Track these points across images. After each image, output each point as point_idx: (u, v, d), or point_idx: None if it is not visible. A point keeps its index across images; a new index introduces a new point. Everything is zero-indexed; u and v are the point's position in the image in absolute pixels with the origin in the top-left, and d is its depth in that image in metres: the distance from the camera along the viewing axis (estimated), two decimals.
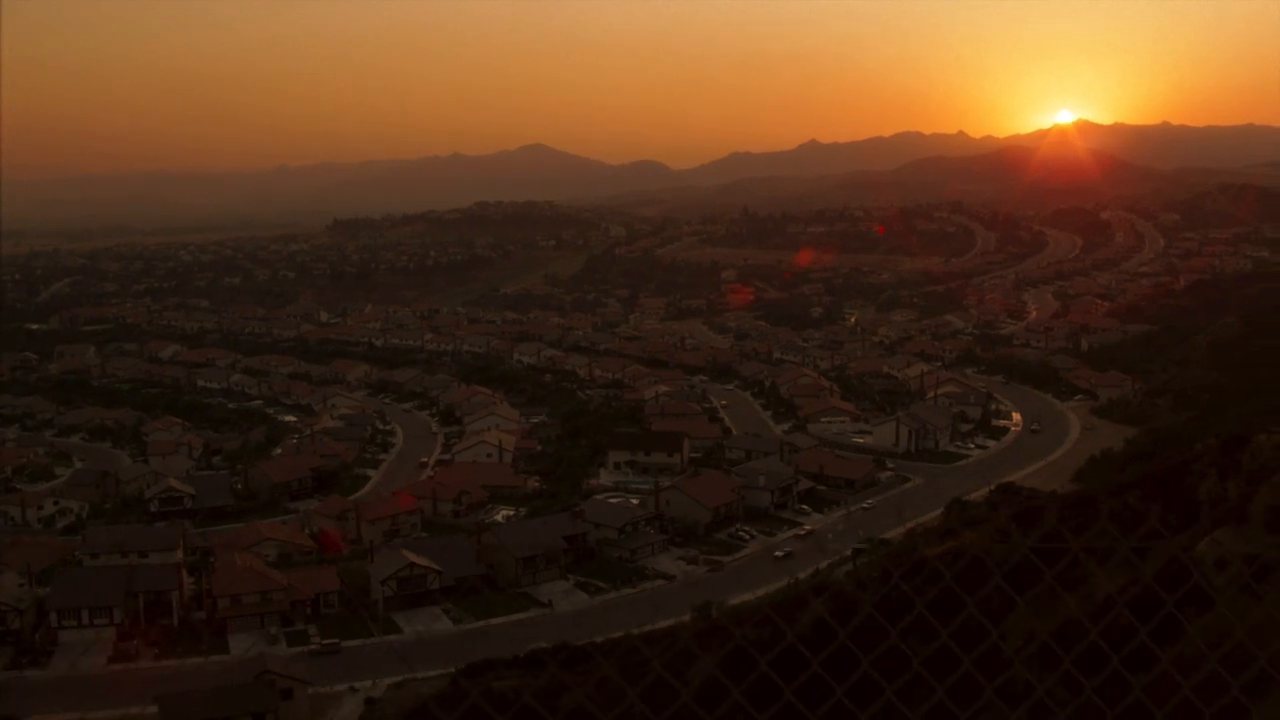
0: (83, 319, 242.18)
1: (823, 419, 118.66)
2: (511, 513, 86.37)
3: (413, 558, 67.28)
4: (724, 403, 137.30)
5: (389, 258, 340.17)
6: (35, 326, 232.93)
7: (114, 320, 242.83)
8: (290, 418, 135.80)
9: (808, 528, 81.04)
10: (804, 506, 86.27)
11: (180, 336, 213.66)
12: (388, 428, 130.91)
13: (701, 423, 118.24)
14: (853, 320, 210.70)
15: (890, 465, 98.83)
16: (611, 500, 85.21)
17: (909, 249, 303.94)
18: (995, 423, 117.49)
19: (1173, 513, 23.67)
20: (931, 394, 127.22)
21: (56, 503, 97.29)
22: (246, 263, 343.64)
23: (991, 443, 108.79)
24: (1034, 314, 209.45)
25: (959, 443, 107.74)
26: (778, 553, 75.73)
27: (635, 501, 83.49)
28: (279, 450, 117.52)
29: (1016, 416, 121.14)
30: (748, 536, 78.99)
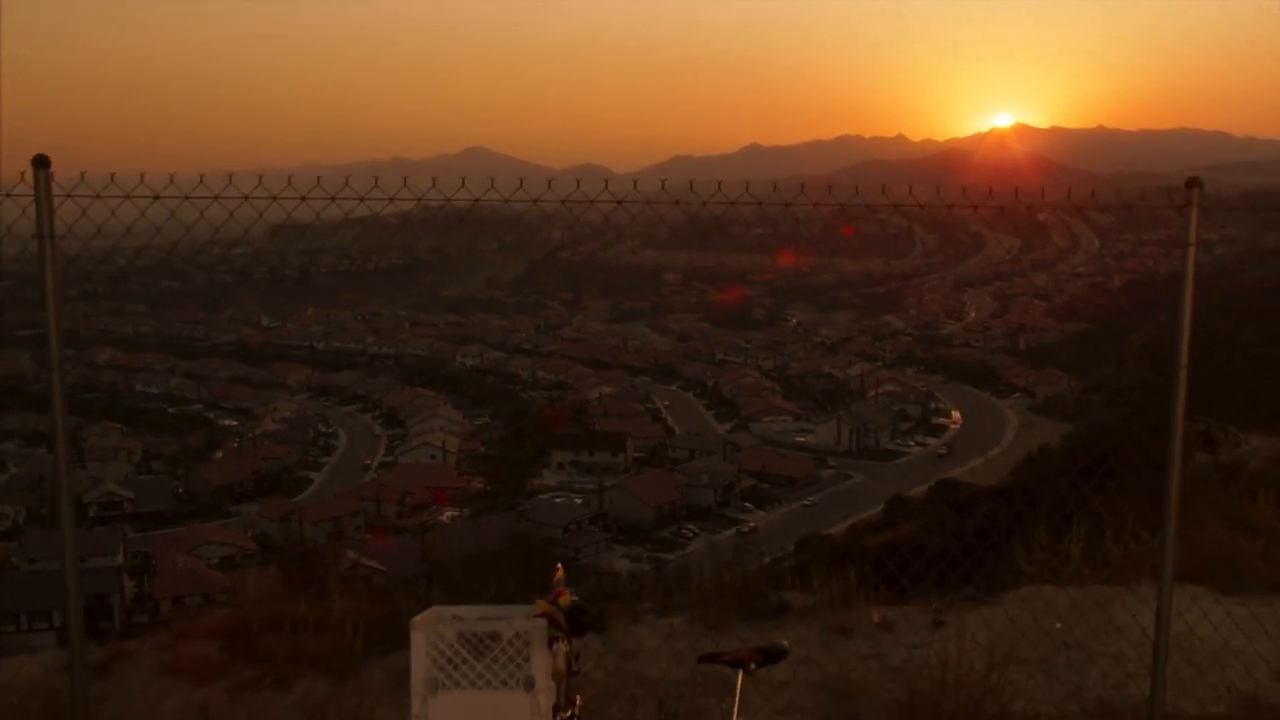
0: (15, 324, 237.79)
1: (765, 418, 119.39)
2: (455, 513, 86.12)
3: (357, 558, 66.88)
4: (667, 403, 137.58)
5: (329, 261, 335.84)
6: None
7: (47, 325, 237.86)
8: (231, 421, 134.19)
9: (751, 525, 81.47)
10: (747, 504, 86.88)
11: (117, 341, 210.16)
12: (330, 431, 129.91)
13: (645, 423, 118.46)
14: (794, 321, 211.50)
15: (832, 463, 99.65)
16: (556, 500, 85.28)
17: (850, 251, 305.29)
18: (935, 420, 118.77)
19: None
20: (872, 393, 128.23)
21: None
22: (184, 267, 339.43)
23: (931, 440, 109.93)
24: (973, 314, 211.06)
25: (899, 440, 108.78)
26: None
27: (579, 501, 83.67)
28: (220, 454, 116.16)
29: (956, 415, 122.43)
30: (691, 534, 79.23)
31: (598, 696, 3.56)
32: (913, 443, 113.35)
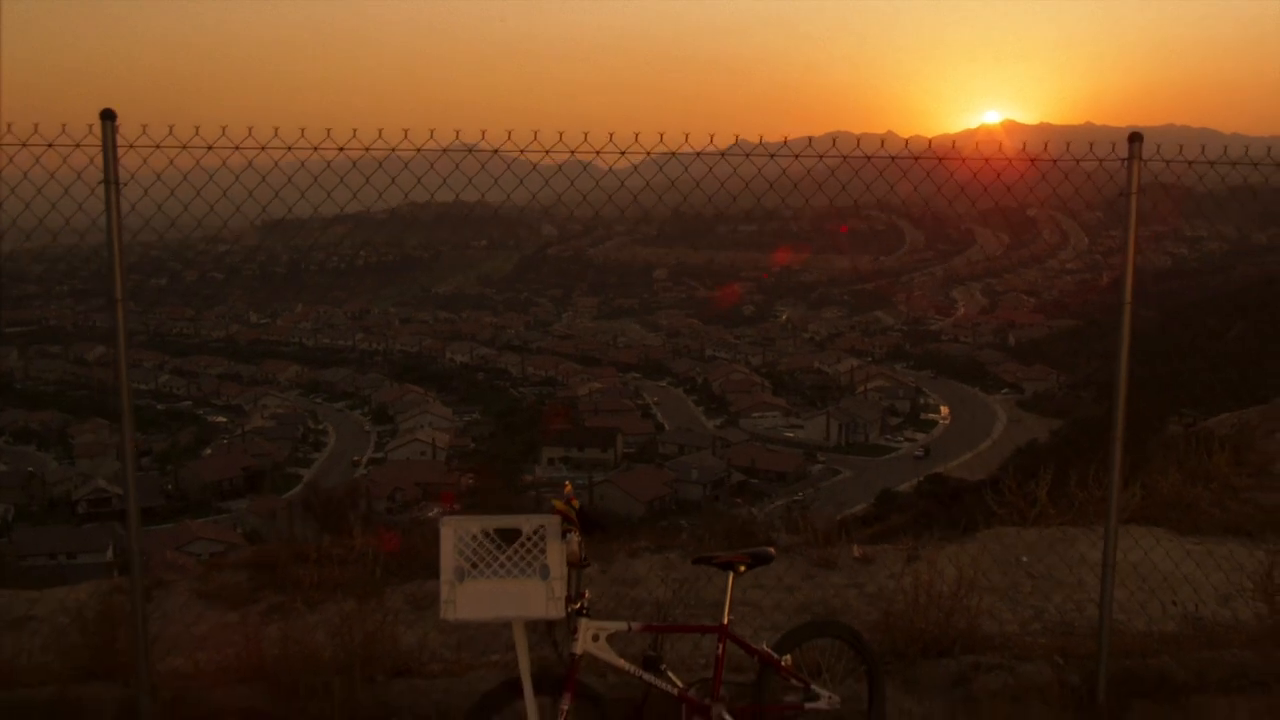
0: (4, 321, 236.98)
1: (754, 414, 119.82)
2: (445, 510, 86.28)
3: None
4: (657, 399, 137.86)
5: (319, 258, 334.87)
6: None
7: (37, 322, 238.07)
8: (220, 418, 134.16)
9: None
10: (737, 500, 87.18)
11: (107, 338, 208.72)
12: (320, 427, 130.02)
13: (635, 419, 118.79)
14: (784, 318, 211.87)
15: (821, 458, 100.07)
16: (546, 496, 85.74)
17: (839, 247, 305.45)
18: (924, 416, 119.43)
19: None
20: (861, 389, 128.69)
21: None
22: (173, 264, 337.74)
23: (920, 435, 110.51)
24: (962, 310, 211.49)
25: (888, 436, 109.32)
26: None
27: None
28: (209, 451, 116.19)
29: (945, 410, 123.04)
30: (684, 528, 79.66)
31: (601, 613, 3.96)
32: (902, 438, 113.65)
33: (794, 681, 4.24)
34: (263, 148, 4.34)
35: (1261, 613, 4.87)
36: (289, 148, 4.35)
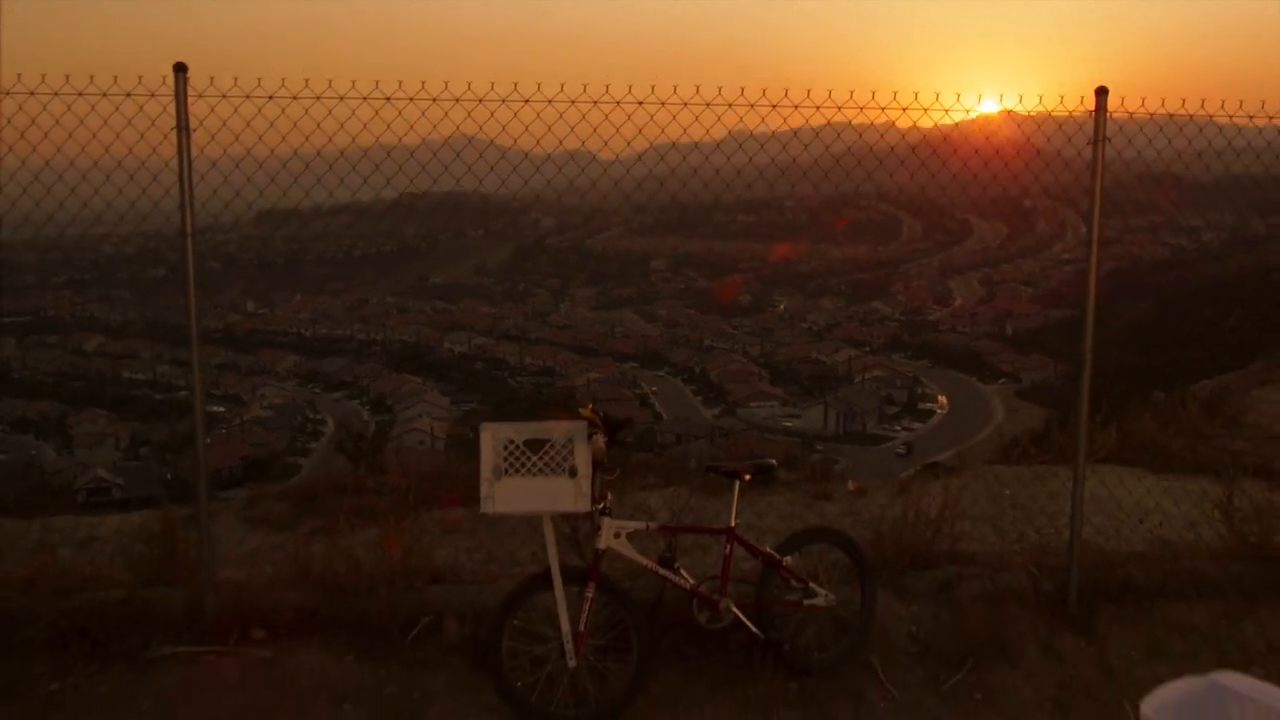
0: (2, 311, 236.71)
1: (752, 403, 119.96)
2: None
3: None
4: (655, 389, 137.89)
5: (316, 249, 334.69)
6: None
7: (34, 312, 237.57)
8: (219, 408, 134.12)
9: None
10: None
11: (104, 329, 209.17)
12: (318, 417, 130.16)
13: (633, 408, 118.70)
14: (782, 308, 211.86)
15: (819, 447, 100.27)
16: None
17: (836, 237, 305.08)
18: (921, 405, 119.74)
19: None
20: (859, 378, 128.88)
21: None
22: (171, 254, 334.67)
23: (918, 425, 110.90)
24: (959, 300, 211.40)
25: (886, 425, 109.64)
26: None
27: None
28: (208, 440, 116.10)
29: (942, 400, 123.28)
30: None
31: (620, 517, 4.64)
32: (899, 427, 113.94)
33: (794, 581, 4.80)
34: (318, 97, 4.86)
35: (1222, 533, 5.39)
36: (340, 97, 4.91)
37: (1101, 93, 5.29)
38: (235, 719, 4.33)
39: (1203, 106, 5.63)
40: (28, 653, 4.52)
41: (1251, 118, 5.69)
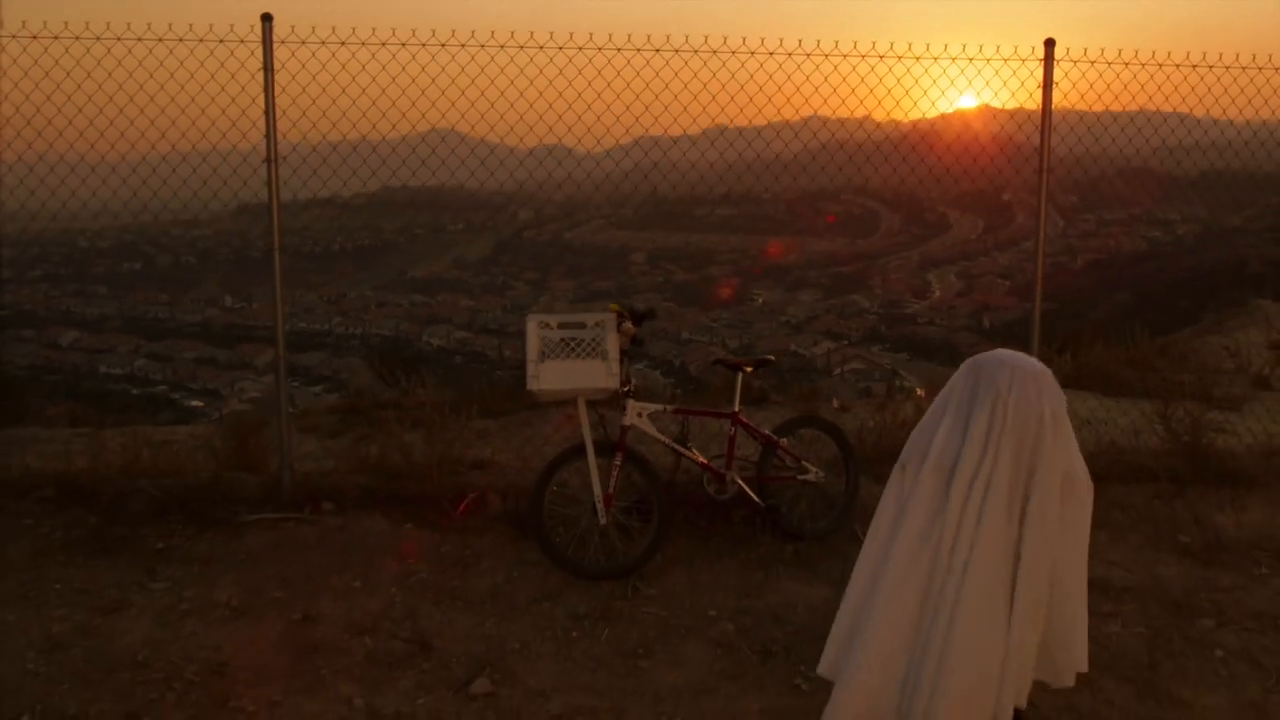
0: None
1: None
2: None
3: None
4: (634, 381, 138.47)
5: (294, 243, 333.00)
6: None
7: (9, 307, 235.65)
8: (197, 403, 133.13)
9: None
10: None
11: (80, 323, 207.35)
12: (298, 410, 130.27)
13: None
14: (760, 301, 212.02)
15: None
16: None
17: (815, 231, 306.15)
18: (900, 397, 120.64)
19: None
20: (838, 370, 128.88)
21: None
22: (147, 248, 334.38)
23: None
24: (938, 293, 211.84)
25: None
26: None
27: None
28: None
29: (921, 392, 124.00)
30: None
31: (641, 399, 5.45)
32: None
33: (789, 460, 5.53)
34: (382, 44, 5.61)
35: (1162, 436, 6.31)
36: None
37: (1050, 44, 6.12)
38: (314, 571, 4.98)
39: (1152, 57, 6.22)
40: (136, 520, 5.34)
41: (1195, 66, 6.29)
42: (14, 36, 5.31)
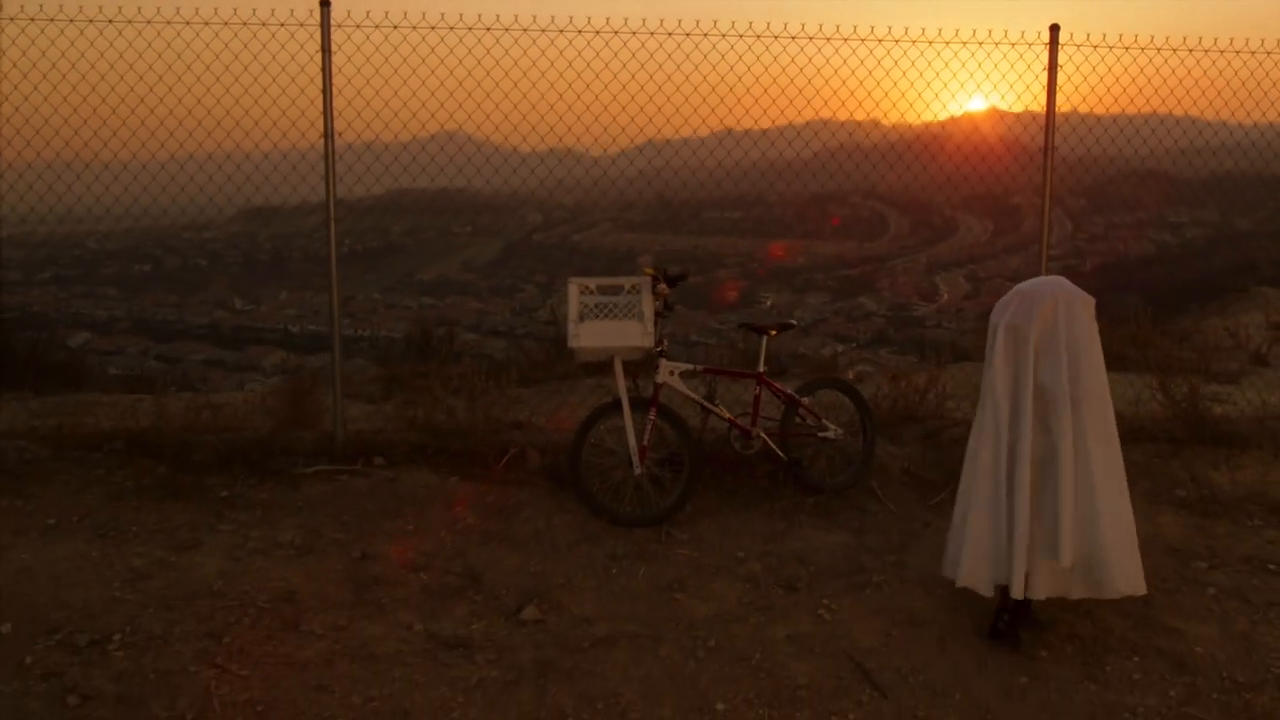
0: None
1: None
2: None
3: None
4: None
5: (303, 245, 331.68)
6: None
7: (20, 308, 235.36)
8: None
9: None
10: None
11: (90, 324, 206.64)
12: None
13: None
14: (768, 303, 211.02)
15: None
16: None
17: (823, 234, 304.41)
18: None
19: None
20: (849, 374, 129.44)
21: None
22: (156, 250, 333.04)
23: None
24: (945, 296, 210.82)
25: None
26: None
27: None
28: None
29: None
30: None
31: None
32: None
33: (810, 418, 5.82)
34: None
35: (1161, 403, 6.60)
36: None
37: (1055, 29, 6.32)
38: (368, 517, 5.34)
39: (1151, 41, 6.42)
40: (201, 470, 5.72)
41: (1190, 50, 6.47)
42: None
